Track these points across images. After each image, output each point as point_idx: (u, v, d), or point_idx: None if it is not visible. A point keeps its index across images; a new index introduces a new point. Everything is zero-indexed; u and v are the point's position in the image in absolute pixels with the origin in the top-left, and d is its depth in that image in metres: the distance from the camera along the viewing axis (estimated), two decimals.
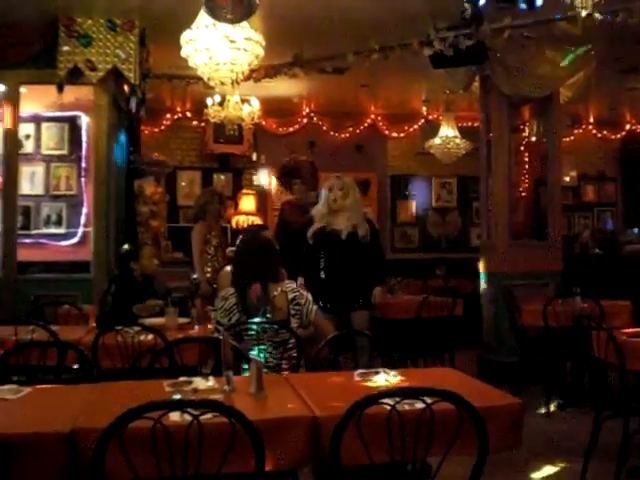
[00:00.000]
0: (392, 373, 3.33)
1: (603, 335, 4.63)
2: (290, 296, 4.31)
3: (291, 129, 11.43)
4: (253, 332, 4.14)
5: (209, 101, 8.96)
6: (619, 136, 12.79)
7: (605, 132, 12.66)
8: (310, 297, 4.41)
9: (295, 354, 4.16)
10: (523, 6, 6.32)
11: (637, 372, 4.67)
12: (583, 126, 12.46)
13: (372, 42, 7.50)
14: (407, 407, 2.61)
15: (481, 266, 8.21)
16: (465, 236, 12.35)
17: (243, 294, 4.24)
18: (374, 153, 11.90)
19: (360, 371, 3.40)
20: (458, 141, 10.64)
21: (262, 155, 11.33)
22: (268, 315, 4.22)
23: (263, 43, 5.84)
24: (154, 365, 3.89)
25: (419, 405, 2.59)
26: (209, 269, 7.31)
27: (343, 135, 11.65)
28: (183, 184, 11.35)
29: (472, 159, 9.43)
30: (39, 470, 2.56)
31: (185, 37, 5.82)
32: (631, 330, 5.05)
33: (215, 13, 5.25)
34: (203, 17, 5.64)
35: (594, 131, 12.61)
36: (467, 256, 10.28)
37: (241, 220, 11.12)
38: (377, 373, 3.33)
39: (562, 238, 8.25)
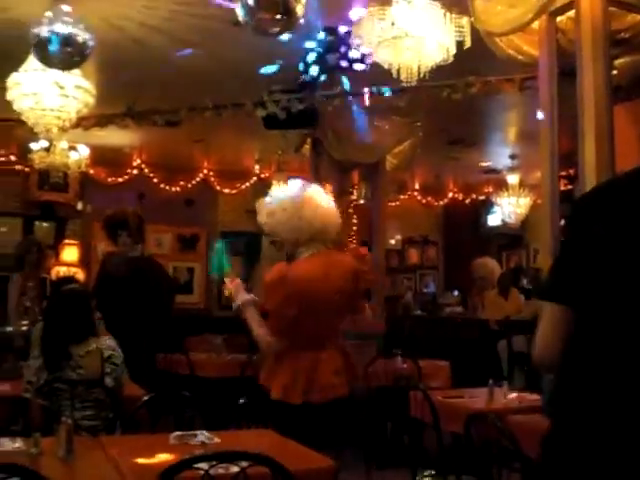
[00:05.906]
0: (208, 435, 3.26)
1: (420, 395, 4.76)
2: (106, 354, 4.12)
3: (120, 179, 11.16)
4: (63, 391, 3.92)
5: (34, 146, 8.63)
6: (442, 203, 13.40)
7: (429, 198, 13.22)
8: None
9: (111, 415, 4.00)
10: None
11: (453, 432, 4.82)
12: (409, 192, 12.96)
13: (206, 99, 7.52)
14: (221, 471, 2.56)
15: None
16: None
17: (48, 352, 4.06)
18: (204, 208, 11.84)
19: (177, 434, 3.31)
20: None
21: (88, 205, 10.99)
22: (81, 371, 4.02)
23: (94, 92, 5.76)
24: None
25: (235, 468, 2.55)
26: (25, 322, 6.97)
27: (174, 189, 11.51)
28: (3, 230, 10.81)
29: None
30: None
31: (12, 80, 5.65)
32: (447, 391, 5.24)
33: (45, 58, 5.11)
34: (32, 61, 5.51)
35: (419, 197, 13.15)
36: None
37: (62, 271, 10.67)
38: (195, 436, 3.26)
39: (384, 299, 8.46)
